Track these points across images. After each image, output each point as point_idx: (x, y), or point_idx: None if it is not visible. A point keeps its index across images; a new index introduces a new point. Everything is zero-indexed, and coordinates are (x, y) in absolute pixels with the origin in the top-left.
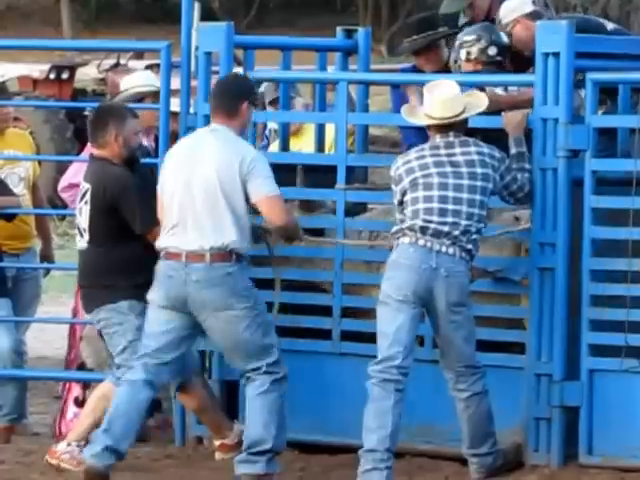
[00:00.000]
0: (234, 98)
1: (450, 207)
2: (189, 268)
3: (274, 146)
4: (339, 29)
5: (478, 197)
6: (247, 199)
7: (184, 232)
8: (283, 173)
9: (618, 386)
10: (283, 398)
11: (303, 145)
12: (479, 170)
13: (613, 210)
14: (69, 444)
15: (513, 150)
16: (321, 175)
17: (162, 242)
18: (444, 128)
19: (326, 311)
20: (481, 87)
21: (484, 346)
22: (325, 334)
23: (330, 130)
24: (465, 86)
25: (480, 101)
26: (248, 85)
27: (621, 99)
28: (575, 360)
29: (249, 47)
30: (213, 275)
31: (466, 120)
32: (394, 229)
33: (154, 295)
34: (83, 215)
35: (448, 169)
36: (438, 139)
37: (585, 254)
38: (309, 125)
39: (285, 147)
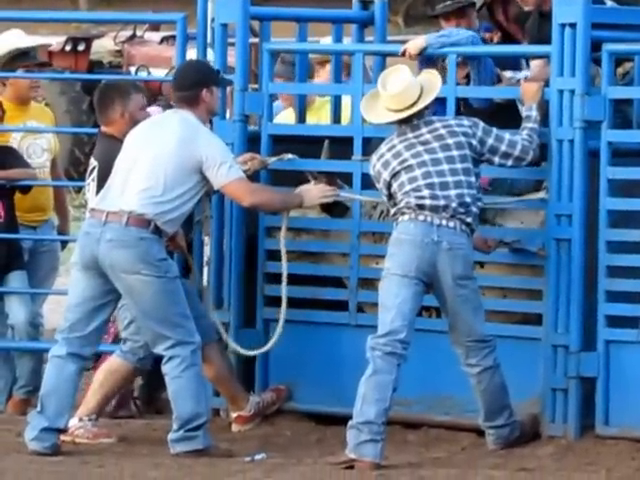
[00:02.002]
0: (192, 88)
1: (436, 180)
2: (106, 227)
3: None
4: (355, 1)
5: (459, 165)
6: (200, 184)
7: (114, 195)
8: (298, 145)
9: (635, 357)
10: (200, 367)
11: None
12: (450, 140)
13: (629, 181)
14: (81, 419)
15: (523, 115)
16: (336, 147)
17: (93, 202)
18: (406, 119)
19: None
20: (499, 79)
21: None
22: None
23: (345, 111)
24: (477, 57)
25: (434, 83)
26: (205, 71)
27: (637, 70)
28: (592, 331)
29: (265, 19)
30: (126, 237)
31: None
32: (393, 210)
33: (74, 255)
34: (91, 192)
35: (420, 148)
36: (403, 127)
37: (601, 225)
38: (320, 103)
39: (302, 120)
